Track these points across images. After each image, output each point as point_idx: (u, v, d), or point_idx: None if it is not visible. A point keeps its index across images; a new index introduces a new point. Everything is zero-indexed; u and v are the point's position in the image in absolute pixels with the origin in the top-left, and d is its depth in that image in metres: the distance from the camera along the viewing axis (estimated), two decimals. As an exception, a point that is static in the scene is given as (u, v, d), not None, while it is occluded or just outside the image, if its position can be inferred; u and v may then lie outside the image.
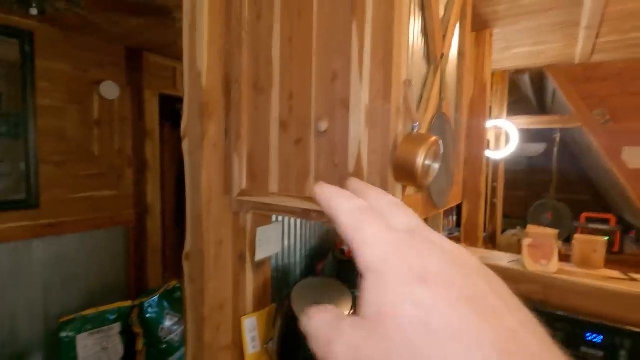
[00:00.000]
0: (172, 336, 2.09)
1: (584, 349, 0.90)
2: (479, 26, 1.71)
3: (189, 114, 0.86)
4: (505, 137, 2.53)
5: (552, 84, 2.66)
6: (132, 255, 2.44)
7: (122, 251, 2.41)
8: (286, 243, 1.29)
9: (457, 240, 2.00)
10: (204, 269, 0.86)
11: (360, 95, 0.66)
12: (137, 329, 2.05)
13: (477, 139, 1.77)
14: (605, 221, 2.97)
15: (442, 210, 0.94)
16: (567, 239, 2.94)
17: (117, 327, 2.05)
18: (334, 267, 1.18)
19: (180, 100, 2.72)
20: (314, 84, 0.73)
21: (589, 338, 0.89)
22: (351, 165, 0.67)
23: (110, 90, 2.21)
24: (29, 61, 1.88)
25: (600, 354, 0.89)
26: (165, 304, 2.12)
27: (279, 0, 0.78)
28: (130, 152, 2.39)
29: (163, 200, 2.61)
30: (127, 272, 2.43)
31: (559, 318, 0.96)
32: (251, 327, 0.94)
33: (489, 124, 2.21)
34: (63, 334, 1.87)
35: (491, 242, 2.59)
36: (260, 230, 0.95)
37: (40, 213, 1.97)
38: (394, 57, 0.65)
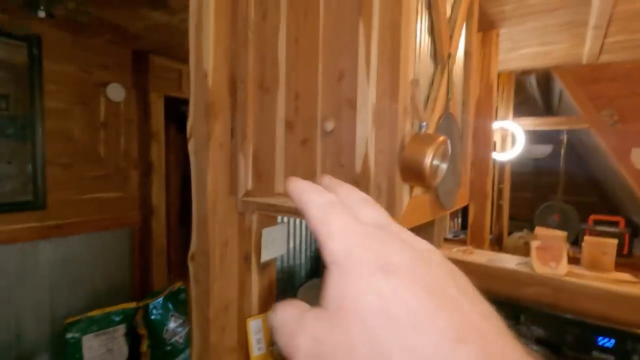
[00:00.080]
0: (176, 338, 2.09)
1: (595, 354, 0.88)
2: (485, 26, 1.70)
3: (195, 114, 0.86)
4: (512, 138, 2.51)
5: (558, 85, 2.63)
6: (137, 256, 2.44)
7: (128, 252, 2.41)
8: (291, 244, 1.28)
9: (463, 242, 1.99)
10: (209, 270, 0.86)
11: (368, 94, 0.65)
12: (142, 331, 2.05)
13: (484, 140, 1.76)
14: (613, 223, 2.93)
15: (449, 212, 0.93)
16: (574, 242, 2.90)
17: (122, 329, 2.05)
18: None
19: (185, 102, 2.73)
20: (320, 84, 0.73)
21: (600, 342, 0.87)
22: (358, 166, 0.67)
23: (116, 92, 2.22)
24: (36, 64, 1.89)
25: (612, 358, 0.88)
26: (170, 305, 2.12)
27: (285, 0, 0.78)
28: (135, 154, 2.40)
29: (168, 202, 2.62)
30: (132, 273, 2.44)
31: (569, 321, 0.95)
32: (257, 329, 0.93)
33: (495, 125, 2.19)
34: (69, 335, 1.87)
35: (497, 244, 2.56)
36: (265, 232, 0.94)
37: (47, 214, 1.98)
38: (401, 57, 0.64)
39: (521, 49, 2.08)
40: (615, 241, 1.07)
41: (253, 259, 0.94)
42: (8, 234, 1.85)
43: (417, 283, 0.16)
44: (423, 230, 1.29)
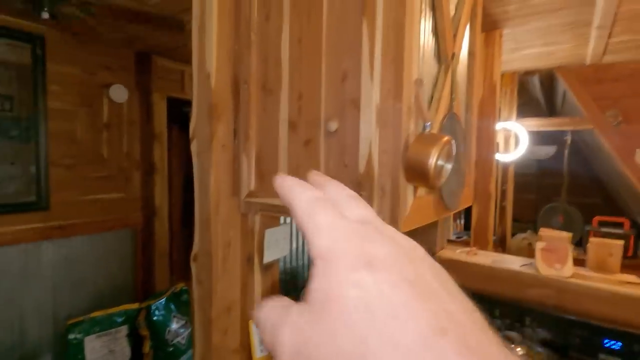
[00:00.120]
0: (178, 339, 2.09)
1: (602, 356, 0.87)
2: (489, 27, 1.70)
3: (197, 115, 0.86)
4: (515, 139, 2.50)
5: (562, 85, 2.62)
6: (139, 257, 2.45)
7: (130, 253, 2.42)
8: (294, 245, 1.28)
9: (466, 243, 1.98)
10: (212, 271, 0.85)
11: (371, 94, 0.65)
12: (144, 332, 2.05)
13: (487, 141, 1.75)
14: (618, 225, 2.90)
15: (453, 212, 0.92)
16: (578, 243, 2.88)
17: (124, 330, 2.05)
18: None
19: (188, 103, 2.73)
20: (323, 84, 0.73)
21: (607, 345, 0.86)
22: (362, 166, 0.66)
23: (119, 93, 2.23)
24: (40, 65, 1.90)
25: (618, 361, 0.87)
26: (172, 306, 2.12)
27: (288, 1, 0.78)
28: (138, 155, 2.41)
29: (171, 203, 2.62)
30: (135, 274, 2.44)
31: (575, 323, 0.94)
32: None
33: (498, 126, 2.18)
34: (71, 336, 1.87)
35: (501, 245, 2.55)
36: (268, 232, 0.94)
37: (50, 215, 1.99)
38: (405, 56, 0.64)
39: (524, 49, 2.07)
40: (621, 242, 1.06)
41: (256, 260, 0.94)
42: (12, 234, 1.85)
43: (399, 277, 0.17)
44: (426, 231, 1.29)
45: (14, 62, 1.83)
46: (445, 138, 0.64)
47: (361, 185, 0.66)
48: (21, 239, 1.89)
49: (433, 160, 0.61)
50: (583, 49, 2.04)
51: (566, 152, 3.07)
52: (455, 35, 0.88)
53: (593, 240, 1.10)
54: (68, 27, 1.90)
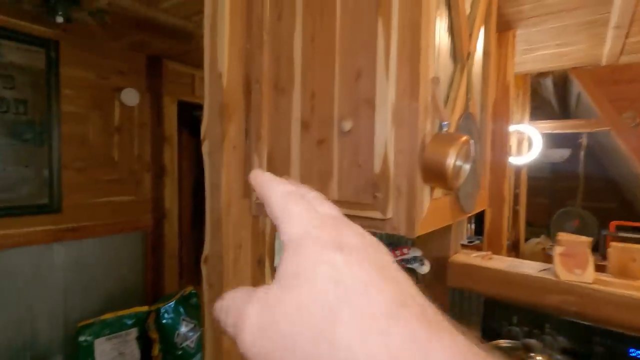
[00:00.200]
0: (187, 342, 2.08)
1: (628, 366, 0.83)
2: (502, 27, 1.67)
3: (209, 115, 0.86)
4: (528, 142, 2.45)
5: (576, 87, 2.57)
6: (149, 260, 2.45)
7: (140, 256, 2.42)
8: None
9: (478, 248, 1.93)
10: (222, 273, 0.84)
11: (387, 93, 0.63)
12: (154, 335, 2.05)
13: (500, 144, 1.72)
14: (637, 229, 2.82)
15: (469, 215, 0.90)
16: (594, 248, 2.80)
17: (134, 332, 2.05)
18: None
19: (198, 106, 2.75)
20: (337, 83, 0.71)
21: (633, 354, 0.82)
22: (377, 166, 0.64)
23: (130, 97, 2.25)
24: (54, 69, 1.93)
25: (644, 371, 0.83)
26: (181, 309, 2.12)
27: (301, 0, 0.77)
28: (149, 157, 2.42)
29: (180, 205, 2.63)
30: (145, 276, 2.45)
31: (597, 331, 0.90)
32: (270, 335, 0.91)
33: (511, 129, 2.14)
34: (81, 338, 1.88)
35: (514, 250, 2.49)
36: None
37: (62, 217, 2.00)
38: (421, 54, 0.62)
39: (538, 50, 2.04)
40: (644, 247, 1.02)
41: (267, 263, 0.92)
42: (24, 236, 1.87)
43: (367, 261, 0.18)
44: (440, 235, 1.26)
45: (29, 67, 1.87)
46: (464, 137, 0.62)
47: (376, 185, 0.64)
48: (33, 241, 1.91)
49: (451, 160, 0.59)
50: (599, 50, 2.00)
51: (582, 154, 3.00)
52: (470, 34, 0.86)
53: (615, 245, 1.06)
54: (81, 31, 1.93)
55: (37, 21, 1.81)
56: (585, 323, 0.92)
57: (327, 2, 0.72)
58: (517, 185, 2.57)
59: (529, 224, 2.79)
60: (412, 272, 1.08)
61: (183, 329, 2.09)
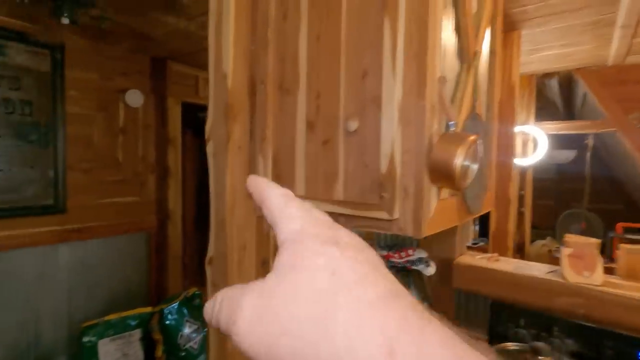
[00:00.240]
0: (191, 344, 2.08)
1: (638, 370, 0.82)
2: (507, 27, 1.66)
3: (214, 116, 0.85)
4: (533, 143, 2.43)
5: (582, 88, 2.55)
6: (153, 260, 2.45)
7: (144, 257, 2.43)
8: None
9: (483, 250, 1.92)
10: (227, 275, 0.84)
11: (393, 92, 0.63)
12: (157, 336, 2.05)
13: (505, 145, 1.70)
14: (644, 231, 2.79)
15: (475, 216, 0.89)
16: (600, 251, 2.77)
17: (137, 334, 2.05)
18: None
19: (202, 108, 2.76)
20: (342, 83, 0.71)
21: (644, 357, 0.81)
22: (383, 166, 0.64)
23: (135, 98, 2.26)
24: (59, 71, 1.94)
25: (655, 375, 0.81)
26: (185, 311, 2.12)
27: (306, -1, 0.76)
28: (153, 159, 2.43)
29: (184, 207, 2.63)
30: (148, 277, 2.45)
31: (607, 334, 0.88)
32: (274, 336, 0.90)
33: (516, 129, 2.13)
34: (85, 339, 1.88)
35: (519, 252, 2.47)
36: (284, 236, 0.92)
37: (67, 218, 2.01)
38: (428, 53, 0.61)
39: (543, 50, 2.03)
40: (654, 249, 1.01)
41: (271, 264, 0.92)
42: (30, 237, 1.88)
43: (361, 256, 0.19)
44: (445, 237, 1.25)
45: (34, 68, 1.88)
46: (471, 137, 0.61)
47: (383, 186, 0.64)
48: (38, 242, 1.92)
49: (459, 160, 0.58)
50: (605, 50, 1.98)
51: (588, 155, 2.97)
52: (477, 34, 0.86)
53: (624, 247, 1.05)
54: (86, 33, 1.94)
55: (42, 23, 1.82)
56: (594, 326, 0.91)
57: (333, 1, 0.72)
58: (522, 187, 2.55)
59: (533, 226, 2.77)
60: (417, 274, 1.07)
61: (187, 330, 2.09)
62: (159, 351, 2.04)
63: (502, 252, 1.68)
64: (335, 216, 0.73)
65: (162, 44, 2.14)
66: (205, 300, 0.85)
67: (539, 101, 2.89)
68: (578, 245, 1.03)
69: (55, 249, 2.00)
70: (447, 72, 0.73)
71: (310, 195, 0.76)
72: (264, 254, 0.91)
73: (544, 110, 3.26)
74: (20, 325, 1.88)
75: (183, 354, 2.04)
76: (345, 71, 0.71)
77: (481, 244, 2.66)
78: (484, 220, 2.61)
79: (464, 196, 0.78)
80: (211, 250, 0.87)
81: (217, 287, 0.86)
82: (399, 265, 1.06)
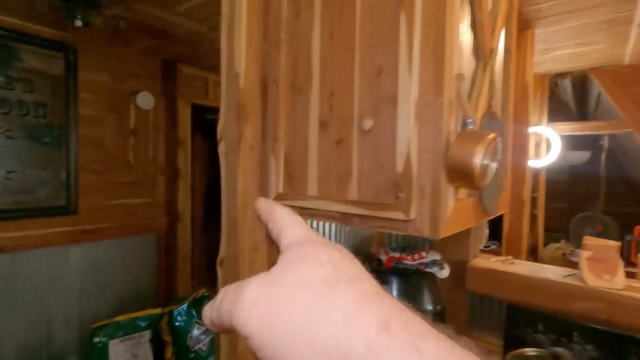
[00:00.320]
0: (200, 345, 2.08)
1: (664, 378, 0.79)
2: (521, 26, 1.63)
3: (225, 116, 0.85)
4: (546, 144, 2.39)
5: (596, 87, 2.50)
6: (162, 262, 2.46)
7: (154, 258, 2.44)
8: (320, 251, 1.24)
9: (495, 253, 1.88)
10: (238, 276, 0.83)
11: (410, 90, 0.61)
12: (167, 337, 2.05)
13: (519, 146, 1.67)
14: (661, 235, 2.72)
15: (491, 217, 0.87)
16: (616, 254, 2.70)
17: (147, 335, 2.06)
18: (370, 277, 1.13)
19: (211, 110, 2.76)
20: (356, 81, 0.70)
21: (670, 365, 0.78)
22: (399, 165, 0.62)
23: (145, 100, 2.27)
24: (72, 73, 1.96)
25: (681, 383, 0.78)
26: (194, 312, 2.11)
27: (319, -3, 0.76)
28: (163, 160, 2.44)
29: (193, 208, 2.64)
30: (158, 278, 2.46)
31: (629, 340, 0.85)
32: (286, 339, 0.89)
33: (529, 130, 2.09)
34: (96, 339, 1.89)
35: (532, 255, 2.42)
36: (295, 237, 0.91)
37: (79, 219, 2.03)
38: (445, 49, 0.60)
39: (557, 50, 1.99)
40: (678, 252, 0.97)
41: (282, 265, 0.91)
42: (42, 238, 1.90)
43: (356, 260, 0.22)
44: (459, 239, 1.22)
45: (48, 71, 1.90)
46: (491, 135, 0.59)
47: (399, 185, 0.62)
48: (50, 242, 1.94)
49: (478, 159, 0.57)
50: (621, 49, 1.94)
51: (603, 157, 2.91)
52: (493, 31, 0.84)
53: (646, 249, 1.01)
54: (99, 36, 1.96)
55: (56, 26, 1.85)
56: (616, 331, 0.88)
57: (347, -1, 0.71)
58: (534, 189, 2.50)
59: (545, 228, 2.72)
60: (431, 277, 1.05)
61: (195, 331, 2.09)
62: (169, 352, 2.04)
63: (516, 255, 1.65)
64: (349, 216, 0.72)
65: (173, 46, 2.16)
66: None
67: (550, 102, 2.85)
68: (598, 248, 1.00)
69: (66, 250, 2.02)
70: (463, 70, 0.71)
71: (322, 195, 0.75)
72: (275, 256, 0.90)
73: (556, 111, 3.20)
74: (32, 325, 1.90)
75: (192, 355, 2.04)
76: (359, 69, 0.69)
77: (492, 246, 2.61)
78: (494, 223, 2.57)
79: (480, 197, 0.76)
80: (222, 251, 0.86)
81: (227, 287, 0.85)
82: (412, 268, 1.04)
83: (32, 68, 1.85)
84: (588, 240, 1.05)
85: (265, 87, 0.85)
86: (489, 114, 0.80)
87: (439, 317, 1.04)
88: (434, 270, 1.03)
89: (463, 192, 0.69)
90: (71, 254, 2.04)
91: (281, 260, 0.21)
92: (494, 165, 0.61)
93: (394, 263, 1.05)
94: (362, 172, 0.69)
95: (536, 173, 2.51)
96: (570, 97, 3.11)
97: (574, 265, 1.10)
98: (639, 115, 2.15)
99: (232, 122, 0.84)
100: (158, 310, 2.13)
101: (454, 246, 1.23)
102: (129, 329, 1.99)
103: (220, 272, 0.87)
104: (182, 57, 2.35)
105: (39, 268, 1.92)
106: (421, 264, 1.04)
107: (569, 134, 2.53)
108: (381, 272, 1.09)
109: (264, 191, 0.85)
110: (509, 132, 1.07)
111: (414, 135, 0.61)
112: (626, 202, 3.54)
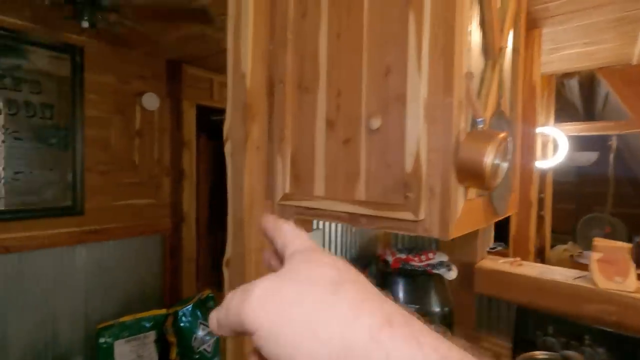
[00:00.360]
0: (204, 346, 2.08)
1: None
2: (528, 25, 1.62)
3: (232, 116, 0.85)
4: (553, 145, 2.37)
5: (604, 87, 2.47)
6: (167, 263, 2.47)
7: (159, 259, 2.44)
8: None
9: (502, 254, 1.86)
10: (244, 276, 0.82)
11: (419, 89, 0.61)
12: (172, 338, 2.05)
13: (526, 146, 1.65)
14: (671, 237, 2.68)
15: (501, 218, 0.85)
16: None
17: (152, 335, 2.06)
18: (377, 279, 1.11)
19: (215, 111, 2.76)
20: (364, 80, 0.69)
21: (685, 369, 0.76)
22: (408, 165, 0.62)
23: (151, 101, 2.28)
24: (79, 75, 1.98)
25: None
26: (199, 313, 2.11)
27: (326, -4, 0.75)
28: (168, 161, 2.45)
29: (198, 209, 2.64)
30: (163, 279, 2.46)
31: (642, 344, 0.84)
32: (292, 341, 0.88)
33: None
34: (101, 340, 1.89)
35: (539, 257, 2.40)
36: (302, 237, 0.90)
37: (85, 220, 2.04)
38: (455, 47, 0.59)
39: (564, 49, 1.97)
40: (691, 254, 0.96)
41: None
42: (49, 238, 1.91)
43: (357, 271, 0.23)
44: (466, 241, 1.21)
45: (55, 72, 1.92)
46: (502, 135, 0.58)
47: (408, 185, 0.62)
48: (57, 243, 1.95)
49: (489, 158, 0.56)
50: (629, 48, 1.92)
51: (611, 157, 2.87)
52: (502, 29, 0.83)
53: (658, 251, 1.00)
54: (105, 37, 1.97)
55: (63, 28, 1.86)
56: (628, 334, 0.86)
57: (354, -2, 0.70)
58: (541, 190, 2.48)
59: (552, 230, 2.69)
60: (438, 278, 1.04)
61: (200, 332, 2.09)
62: (173, 353, 2.04)
63: (523, 257, 1.63)
64: (356, 217, 0.71)
65: (177, 48, 2.17)
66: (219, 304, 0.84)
67: (557, 102, 2.82)
68: (608, 250, 0.99)
69: (73, 250, 2.03)
70: (472, 69, 0.70)
71: (330, 195, 0.75)
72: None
73: (562, 112, 3.17)
74: (38, 325, 1.90)
75: (197, 356, 2.04)
76: (367, 69, 0.69)
77: (498, 248, 2.59)
78: (500, 225, 2.54)
79: (490, 197, 0.75)
80: (228, 252, 0.86)
81: (234, 289, 0.84)
82: (419, 269, 1.03)
83: (39, 70, 1.87)
84: (598, 242, 1.04)
85: (271, 86, 0.84)
86: (498, 113, 0.79)
87: (446, 319, 1.03)
88: (441, 271, 1.02)
89: (473, 192, 0.68)
90: (77, 254, 2.05)
91: (287, 264, 0.23)
92: (505, 165, 0.61)
93: (400, 264, 1.04)
94: (370, 172, 0.68)
95: (543, 174, 2.49)
96: (577, 97, 3.08)
97: (583, 267, 1.08)
98: (648, 115, 2.12)
99: (238, 122, 0.83)
100: (163, 311, 2.13)
101: (461, 247, 1.21)
102: (134, 330, 2.00)
103: (226, 272, 0.87)
104: (186, 58, 2.36)
105: (46, 268, 1.93)
106: (428, 265, 1.03)
107: (576, 134, 2.50)
108: (387, 274, 1.08)
109: (270, 191, 0.85)
110: (518, 131, 1.06)
111: (423, 135, 0.60)
112: (634, 204, 3.49)
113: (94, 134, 2.08)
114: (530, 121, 1.66)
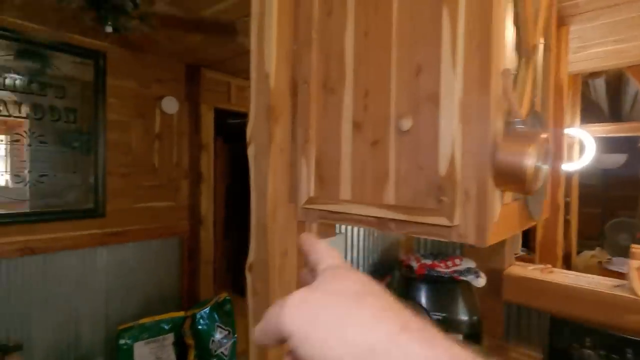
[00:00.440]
0: (222, 349, 2.07)
1: None
2: (556, 23, 1.56)
3: (255, 118, 0.83)
4: (580, 147, 2.28)
5: (633, 87, 2.37)
6: (185, 265, 2.48)
7: (177, 261, 2.46)
8: (348, 257, 1.21)
9: (528, 260, 1.80)
10: (268, 281, 0.81)
11: (453, 87, 0.58)
12: (190, 340, 2.06)
13: (554, 148, 1.59)
14: None
15: (536, 222, 0.81)
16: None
17: (171, 337, 2.07)
18: (401, 285, 1.08)
19: (232, 114, 2.77)
20: (393, 80, 0.67)
21: None
22: (442, 168, 0.59)
23: (170, 105, 2.31)
24: (101, 79, 2.02)
25: None
26: (216, 316, 2.11)
27: (352, -5, 0.73)
28: (186, 164, 2.47)
29: (215, 212, 2.65)
30: (181, 281, 2.48)
31: (691, 359, 0.78)
32: (316, 348, 0.86)
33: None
34: (122, 341, 1.91)
35: (565, 263, 2.31)
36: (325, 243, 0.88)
37: (106, 222, 2.07)
38: (492, 43, 0.56)
39: (592, 47, 1.90)
40: None
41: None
42: (71, 240, 1.95)
43: (380, 286, 0.25)
44: (494, 247, 1.17)
45: (78, 77, 1.96)
46: (543, 135, 0.55)
47: (442, 189, 0.59)
48: (80, 245, 1.98)
49: (531, 161, 0.52)
50: (662, 45, 1.83)
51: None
52: (536, 26, 0.79)
53: None
54: (127, 42, 2.01)
55: (86, 34, 1.90)
56: (674, 349, 0.81)
57: (382, -6, 0.68)
58: (567, 194, 2.39)
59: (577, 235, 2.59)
60: (466, 285, 1.00)
61: (217, 335, 2.09)
62: (191, 356, 2.05)
63: (552, 262, 1.56)
64: (385, 221, 0.69)
65: (196, 52, 2.19)
66: (236, 306, 0.82)
67: (582, 103, 2.72)
68: (650, 258, 0.93)
69: (94, 252, 2.06)
70: (507, 67, 0.67)
71: (356, 199, 0.72)
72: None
73: (587, 112, 3.06)
74: (61, 326, 1.94)
75: (214, 359, 2.04)
76: (396, 67, 0.66)
77: (522, 253, 2.50)
78: (525, 230, 2.46)
79: (525, 200, 0.71)
80: (251, 256, 0.85)
81: (257, 294, 0.83)
82: (446, 276, 0.99)
83: (64, 75, 1.91)
84: (636, 249, 0.98)
85: (295, 87, 0.83)
86: (533, 113, 0.76)
87: (474, 328, 0.99)
88: (469, 278, 0.98)
89: (509, 196, 0.64)
90: (98, 256, 2.08)
91: (319, 278, 0.26)
92: (546, 167, 0.57)
93: (426, 270, 1.01)
94: (399, 175, 0.66)
95: (569, 177, 2.40)
96: (603, 98, 2.97)
97: (612, 274, 1.03)
98: (682, 115, 2.02)
99: (262, 124, 0.82)
100: (181, 314, 2.14)
101: (488, 253, 1.17)
102: (153, 332, 2.01)
103: (249, 277, 0.85)
104: (205, 62, 2.38)
105: (68, 269, 1.97)
106: (455, 271, 0.99)
107: (603, 135, 2.41)
108: (411, 279, 1.05)
109: (294, 195, 0.83)
110: (550, 133, 1.02)
111: (458, 136, 0.58)
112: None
113: (115, 138, 2.11)
114: (557, 122, 1.60)
